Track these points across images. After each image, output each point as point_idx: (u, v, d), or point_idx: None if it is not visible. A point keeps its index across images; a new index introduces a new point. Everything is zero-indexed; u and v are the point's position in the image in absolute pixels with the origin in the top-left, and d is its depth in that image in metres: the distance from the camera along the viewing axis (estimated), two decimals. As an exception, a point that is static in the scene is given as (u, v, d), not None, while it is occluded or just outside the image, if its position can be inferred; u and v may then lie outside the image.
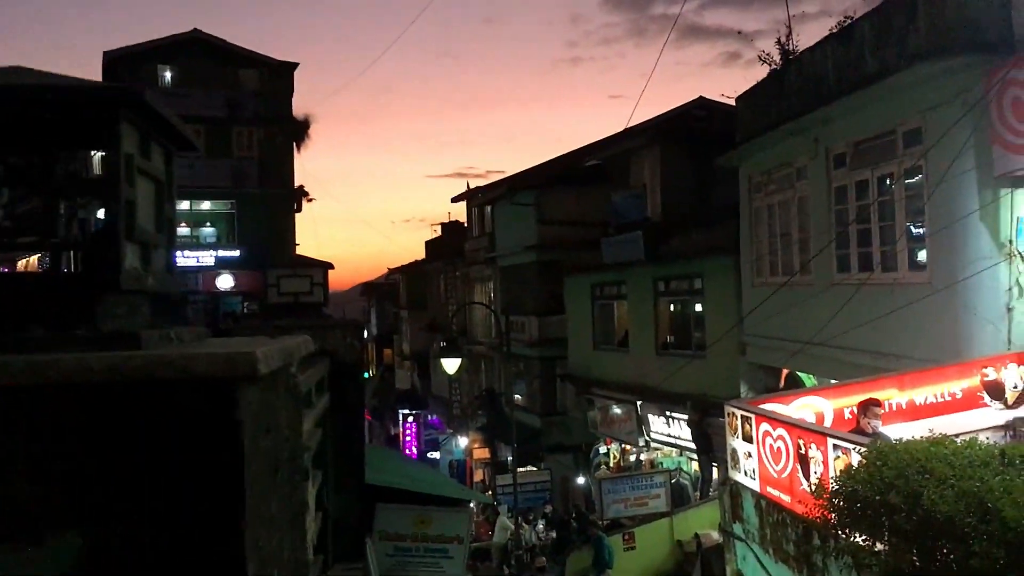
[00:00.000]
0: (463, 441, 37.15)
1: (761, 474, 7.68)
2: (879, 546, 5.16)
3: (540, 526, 21.72)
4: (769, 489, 7.50)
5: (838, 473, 6.09)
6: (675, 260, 20.26)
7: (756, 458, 7.74)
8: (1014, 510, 3.85)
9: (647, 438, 21.69)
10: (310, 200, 34.24)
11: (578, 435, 26.74)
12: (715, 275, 18.73)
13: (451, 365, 18.71)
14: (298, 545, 2.41)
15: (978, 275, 9.53)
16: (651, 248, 20.96)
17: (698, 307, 20.34)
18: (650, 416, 21.37)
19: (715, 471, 18.99)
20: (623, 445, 23.85)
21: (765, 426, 7.55)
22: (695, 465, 20.90)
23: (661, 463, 21.18)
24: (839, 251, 12.54)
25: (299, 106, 38.71)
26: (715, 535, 16.01)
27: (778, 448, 7.27)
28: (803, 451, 6.86)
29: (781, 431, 7.23)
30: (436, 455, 41.09)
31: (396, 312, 55.08)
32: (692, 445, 19.25)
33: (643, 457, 22.31)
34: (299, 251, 33.02)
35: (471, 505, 7.11)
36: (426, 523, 6.45)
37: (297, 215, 33.98)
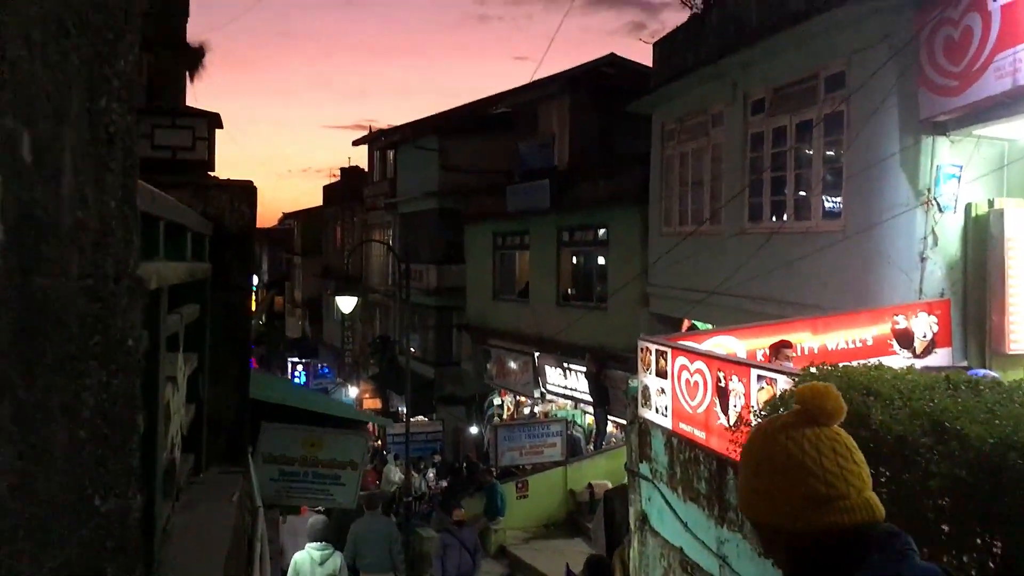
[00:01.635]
0: (353, 391, 36.38)
1: (674, 410, 7.34)
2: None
3: (430, 475, 21.28)
4: (682, 426, 7.16)
5: (761, 405, 5.75)
6: (581, 209, 19.92)
7: (670, 394, 7.38)
8: (976, 428, 3.52)
9: (543, 390, 21.46)
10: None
11: (472, 386, 26.40)
12: (620, 225, 18.48)
13: (347, 303, 17.98)
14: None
15: (893, 223, 9.41)
16: (557, 197, 20.58)
17: (601, 259, 20.10)
18: (547, 368, 21.12)
19: (610, 424, 18.93)
20: (518, 397, 23.60)
21: (682, 360, 7.19)
22: (589, 419, 20.81)
23: (556, 416, 20.99)
24: (752, 199, 12.35)
25: (193, 33, 36.63)
26: (609, 485, 15.89)
27: (695, 382, 6.92)
28: (723, 384, 6.51)
29: (699, 364, 6.87)
30: (325, 405, 40.23)
31: (289, 259, 53.55)
32: (588, 397, 19.08)
33: (537, 410, 22.10)
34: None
35: (368, 428, 6.58)
36: (317, 446, 5.83)
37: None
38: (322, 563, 8.24)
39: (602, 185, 19.29)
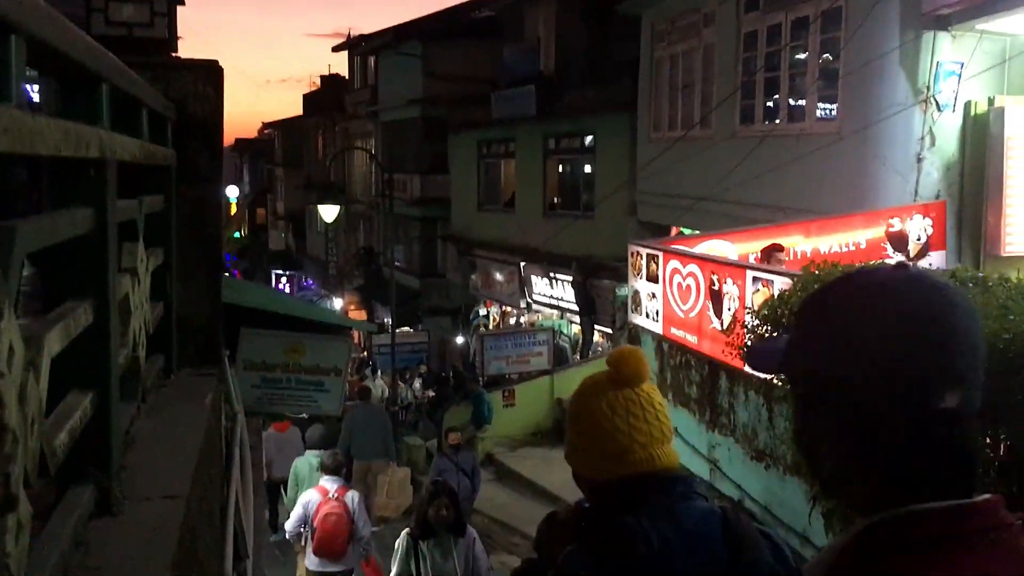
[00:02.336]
0: (338, 303, 36.26)
1: (665, 315, 7.19)
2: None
3: (416, 384, 21.32)
4: (674, 330, 7.03)
5: (757, 306, 5.59)
6: (567, 117, 19.50)
7: (661, 298, 7.22)
8: (991, 324, 3.36)
9: (529, 300, 21.37)
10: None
11: (458, 297, 26.29)
12: (608, 133, 18.12)
13: (329, 212, 17.67)
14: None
15: (890, 124, 9.14)
16: (543, 104, 20.11)
17: (588, 168, 19.78)
18: (533, 278, 20.99)
19: (596, 333, 18.91)
20: (504, 307, 23.53)
21: (674, 263, 7.01)
22: (575, 328, 20.78)
23: (542, 325, 20.94)
24: (744, 101, 12.01)
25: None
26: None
27: (687, 286, 6.76)
28: (716, 287, 6.35)
29: (692, 267, 6.69)
30: (310, 317, 40.14)
31: (270, 170, 52.73)
32: (575, 307, 19.01)
33: (523, 319, 22.04)
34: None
35: (352, 334, 6.43)
36: (299, 352, 5.65)
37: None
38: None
39: (589, 91, 18.85)
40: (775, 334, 4.87)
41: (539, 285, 20.75)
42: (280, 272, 44.50)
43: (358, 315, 33.16)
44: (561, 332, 20.06)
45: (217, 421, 3.01)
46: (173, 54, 4.51)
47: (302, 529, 7.85)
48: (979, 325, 1.07)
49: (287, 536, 8.33)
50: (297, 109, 45.90)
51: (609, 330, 16.79)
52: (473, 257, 24.17)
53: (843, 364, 1.06)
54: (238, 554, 3.37)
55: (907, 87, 9.07)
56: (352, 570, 8.20)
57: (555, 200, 20.93)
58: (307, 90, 44.68)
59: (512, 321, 22.71)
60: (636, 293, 7.76)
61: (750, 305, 5.81)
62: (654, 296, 7.38)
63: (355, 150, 34.82)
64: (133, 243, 2.40)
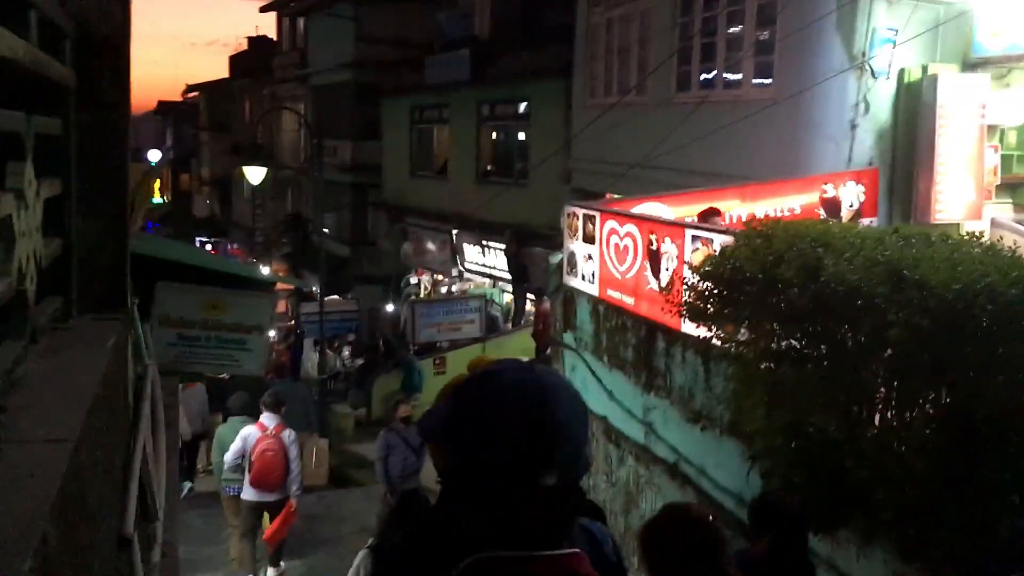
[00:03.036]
0: (266, 271, 35.47)
1: (602, 277, 7.05)
2: (744, 333, 4.60)
3: (346, 353, 20.97)
4: (610, 292, 6.89)
5: (696, 264, 5.47)
6: (502, 82, 19.23)
7: (597, 259, 7.08)
8: (940, 275, 3.28)
9: (461, 268, 21.14)
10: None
11: (389, 265, 25.91)
12: (543, 99, 17.90)
13: (255, 175, 17.12)
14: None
15: (825, 90, 9.13)
16: (477, 69, 19.81)
17: (522, 135, 19.57)
18: (465, 246, 20.76)
19: (528, 302, 18.79)
20: (435, 276, 23.26)
21: (611, 224, 6.87)
22: (507, 297, 20.65)
23: (474, 293, 20.74)
24: (681, 68, 11.92)
25: None
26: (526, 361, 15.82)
27: (624, 247, 6.62)
28: (654, 247, 6.22)
29: (630, 227, 6.56)
30: (236, 286, 39.24)
31: (195, 134, 51.21)
32: (507, 275, 18.85)
33: (455, 288, 21.82)
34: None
35: (275, 292, 6.12)
36: (219, 308, 5.35)
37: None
38: None
39: (524, 57, 18.60)
40: (710, 293, 4.77)
41: (471, 253, 20.53)
42: (205, 239, 43.32)
43: (284, 285, 32.50)
44: (493, 301, 19.91)
45: (121, 368, 2.75)
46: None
47: (240, 461, 8.63)
48: (580, 415, 1.42)
49: (225, 466, 8.85)
50: (224, 73, 44.59)
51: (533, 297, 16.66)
52: (405, 225, 23.82)
53: (472, 452, 1.37)
54: (146, 514, 3.12)
55: (842, 53, 9.05)
56: (287, 498, 8.79)
57: (489, 168, 20.67)
58: (234, 52, 43.35)
59: (444, 290, 22.47)
60: (572, 255, 7.61)
61: (689, 263, 5.70)
62: (590, 258, 7.23)
63: (284, 112, 33.92)
64: (19, 162, 2.12)
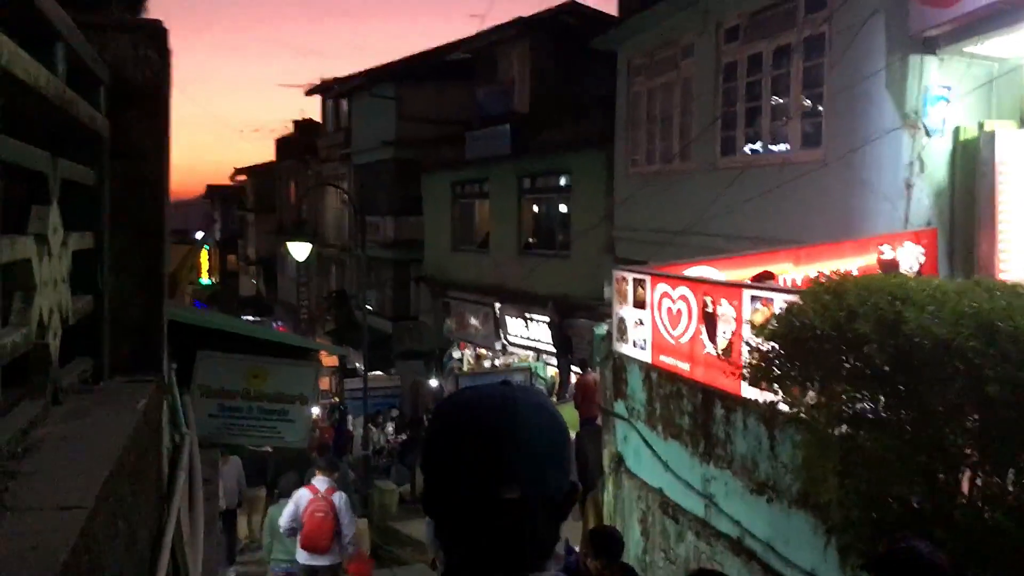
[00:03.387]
0: (309, 348, 35.58)
1: (654, 343, 6.79)
2: (811, 395, 4.31)
3: (389, 428, 20.72)
4: (663, 358, 6.62)
5: (756, 326, 5.20)
6: (543, 155, 19.25)
7: (649, 325, 6.83)
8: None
9: (504, 341, 20.92)
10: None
11: (431, 341, 25.78)
12: (584, 170, 17.88)
13: (300, 251, 17.18)
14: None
15: (877, 149, 8.90)
16: (517, 142, 19.89)
17: (564, 207, 19.52)
18: (508, 319, 20.57)
19: (572, 375, 18.46)
20: (478, 350, 23.05)
21: (663, 287, 6.63)
22: (551, 370, 20.33)
23: (518, 366, 20.46)
24: (724, 132, 11.78)
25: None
26: (573, 435, 15.44)
27: (678, 310, 6.37)
28: (710, 309, 5.96)
29: (683, 290, 6.31)
30: (280, 363, 39.35)
31: (242, 216, 52.19)
32: (551, 348, 18.59)
33: (498, 362, 21.55)
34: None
35: (318, 360, 5.90)
36: (261, 377, 5.18)
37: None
38: None
39: (564, 129, 18.64)
40: (776, 353, 4.49)
41: (514, 326, 20.33)
42: (251, 317, 43.72)
43: (330, 361, 32.52)
44: (537, 374, 19.60)
45: (153, 434, 2.55)
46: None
47: (293, 524, 8.66)
48: (550, 431, 1.35)
49: (282, 531, 8.88)
50: (270, 156, 45.56)
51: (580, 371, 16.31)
52: (447, 299, 23.73)
53: (437, 466, 1.36)
54: (179, 595, 2.89)
55: (894, 112, 8.84)
56: (339, 564, 8.94)
57: (530, 240, 20.60)
58: (280, 136, 44.34)
59: (487, 364, 22.21)
60: (621, 321, 7.37)
61: (748, 326, 5.43)
62: (641, 323, 6.98)
63: (328, 192, 34.45)
64: (43, 206, 1.97)
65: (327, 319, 32.14)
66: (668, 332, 6.53)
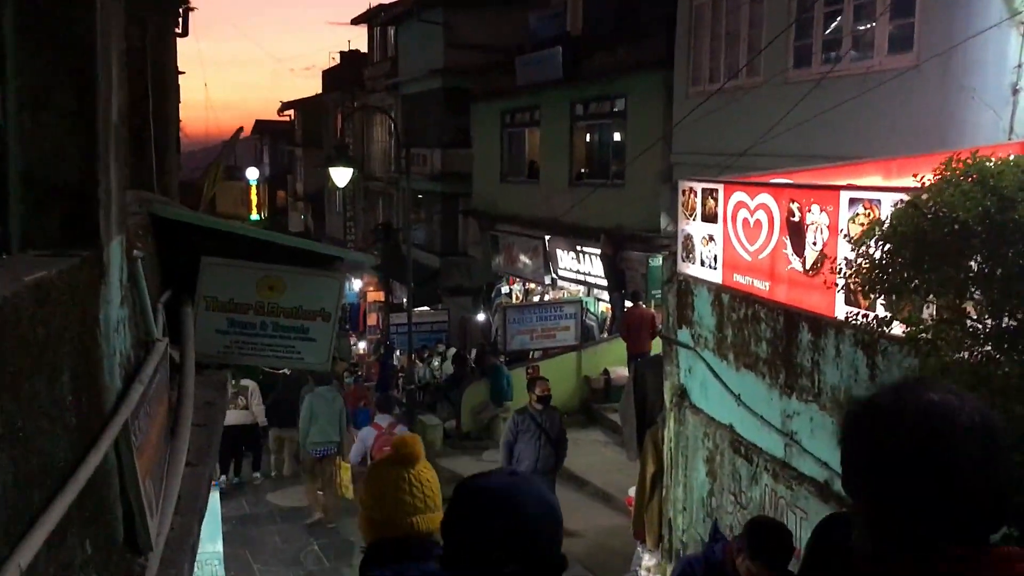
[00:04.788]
0: (357, 284, 35.23)
1: (726, 260, 5.98)
2: (932, 311, 3.50)
3: (435, 363, 20.20)
4: (737, 278, 5.81)
5: (856, 235, 4.36)
6: (597, 79, 18.21)
7: (721, 240, 6.01)
8: None
9: (554, 276, 20.17)
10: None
11: (479, 276, 25.16)
12: (641, 95, 16.85)
13: (341, 176, 16.48)
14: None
15: (980, 50, 7.85)
16: (570, 67, 18.86)
17: (618, 133, 18.56)
18: (559, 252, 19.78)
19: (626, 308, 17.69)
20: (527, 285, 22.35)
21: (739, 196, 5.79)
22: (603, 306, 19.60)
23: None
24: (798, 41, 10.73)
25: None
26: (625, 372, 14.72)
27: (756, 222, 5.54)
28: (797, 218, 5.13)
29: (764, 198, 5.47)
30: (328, 299, 39.16)
31: (290, 151, 51.77)
32: (603, 282, 17.81)
33: (548, 297, 20.84)
34: (182, 82, 29.30)
35: (343, 272, 5.17)
36: (276, 289, 4.50)
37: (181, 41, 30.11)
38: None
39: (620, 51, 17.55)
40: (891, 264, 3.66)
41: (565, 260, 19.54)
42: (299, 254, 43.48)
43: (376, 296, 32.10)
44: (588, 310, 18.85)
45: (72, 324, 1.84)
46: None
47: (364, 458, 9.45)
48: (543, 522, 1.68)
49: (352, 465, 10.02)
50: (318, 91, 44.88)
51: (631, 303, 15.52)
52: (496, 232, 22.99)
53: (454, 543, 1.72)
54: (132, 542, 2.21)
55: (1000, 6, 7.77)
56: None
57: (582, 170, 19.68)
58: (326, 68, 43.55)
59: (536, 299, 21.52)
60: (688, 238, 6.55)
61: (845, 234, 4.59)
62: (711, 239, 6.16)
63: (374, 124, 33.74)
64: None
65: (373, 254, 31.69)
66: (744, 247, 5.71)
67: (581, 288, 19.44)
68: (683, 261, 6.67)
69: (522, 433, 8.57)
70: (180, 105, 8.82)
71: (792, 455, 5.22)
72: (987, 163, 3.34)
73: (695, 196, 6.42)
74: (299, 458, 11.58)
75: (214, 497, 4.85)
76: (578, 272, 19.07)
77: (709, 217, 6.19)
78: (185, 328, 3.92)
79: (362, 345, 28.26)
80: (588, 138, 19.99)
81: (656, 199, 16.13)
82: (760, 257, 5.50)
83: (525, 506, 1.66)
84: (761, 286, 5.49)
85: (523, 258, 21.56)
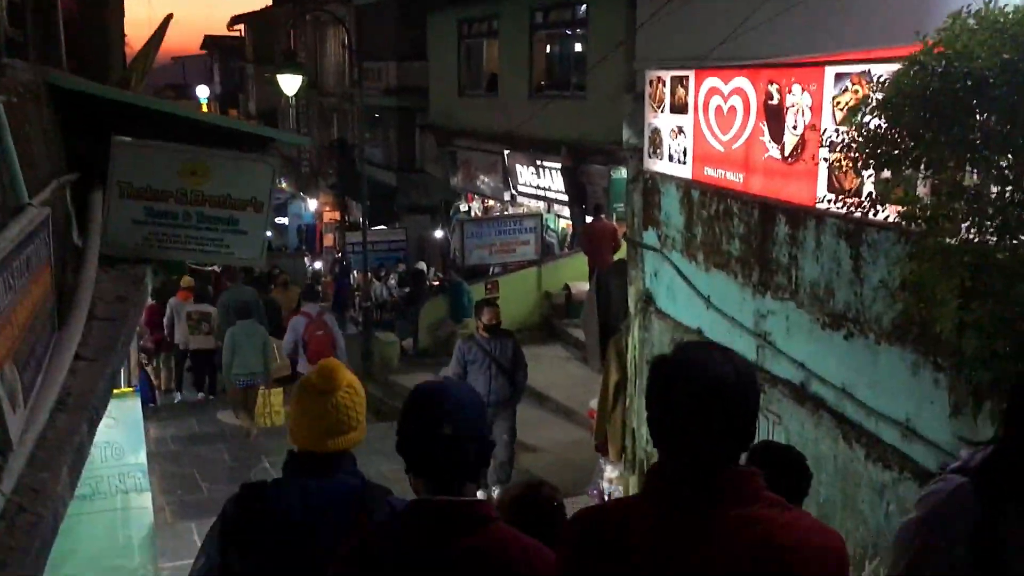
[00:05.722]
0: (312, 204, 34.41)
1: (697, 153, 5.57)
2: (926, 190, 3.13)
3: (392, 281, 19.76)
4: (708, 171, 5.41)
5: (842, 114, 3.97)
6: (558, -17, 17.49)
7: (691, 131, 5.59)
8: None
9: (514, 191, 19.65)
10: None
11: (437, 194, 24.56)
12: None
13: (290, 83, 15.72)
14: None
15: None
16: (531, -29, 18.09)
17: (579, 43, 17.89)
18: (518, 167, 19.24)
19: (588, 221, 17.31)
20: (485, 202, 21.82)
21: (713, 81, 5.35)
22: (563, 223, 19.19)
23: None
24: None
25: None
26: (586, 287, 14.41)
27: (731, 108, 5.12)
28: (775, 101, 4.71)
29: (740, 81, 5.04)
30: (284, 220, 38.34)
31: (241, 68, 49.99)
32: (563, 197, 17.36)
33: (508, 214, 20.36)
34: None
35: (276, 156, 4.63)
36: (200, 175, 4.02)
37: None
38: None
39: (582, -48, 16.83)
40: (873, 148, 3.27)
41: (525, 174, 19.01)
42: (252, 174, 42.36)
43: (332, 215, 31.34)
44: (548, 227, 18.44)
45: None
46: None
47: (296, 345, 10.24)
48: (473, 402, 2.20)
49: (286, 354, 10.78)
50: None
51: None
52: (454, 148, 22.32)
53: (401, 426, 2.18)
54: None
55: None
56: None
57: (543, 82, 19.02)
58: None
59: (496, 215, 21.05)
60: (655, 132, 6.11)
61: (831, 118, 4.19)
62: (680, 131, 5.74)
63: (328, 37, 32.57)
64: None
65: (329, 173, 30.81)
66: (716, 138, 5.30)
67: (541, 204, 18.98)
68: (650, 157, 6.24)
69: (470, 363, 7.59)
70: (123, 18, 8.05)
71: (765, 357, 4.90)
72: (1006, 11, 2.93)
73: (663, 86, 5.97)
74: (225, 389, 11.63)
75: (134, 405, 4.41)
76: (538, 188, 18.58)
77: (678, 108, 5.75)
78: (91, 212, 3.43)
79: (318, 265, 27.67)
80: (548, 49, 19.29)
81: (619, 110, 15.57)
82: (734, 147, 5.09)
83: (453, 390, 2.23)
84: (734, 178, 5.09)
85: (482, 174, 21.00)
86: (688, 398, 1.76)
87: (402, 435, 2.13)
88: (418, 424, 2.11)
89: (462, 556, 2.01)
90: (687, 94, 5.63)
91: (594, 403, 8.14)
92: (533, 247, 15.16)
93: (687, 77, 5.65)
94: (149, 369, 13.88)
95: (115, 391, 4.18)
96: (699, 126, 5.48)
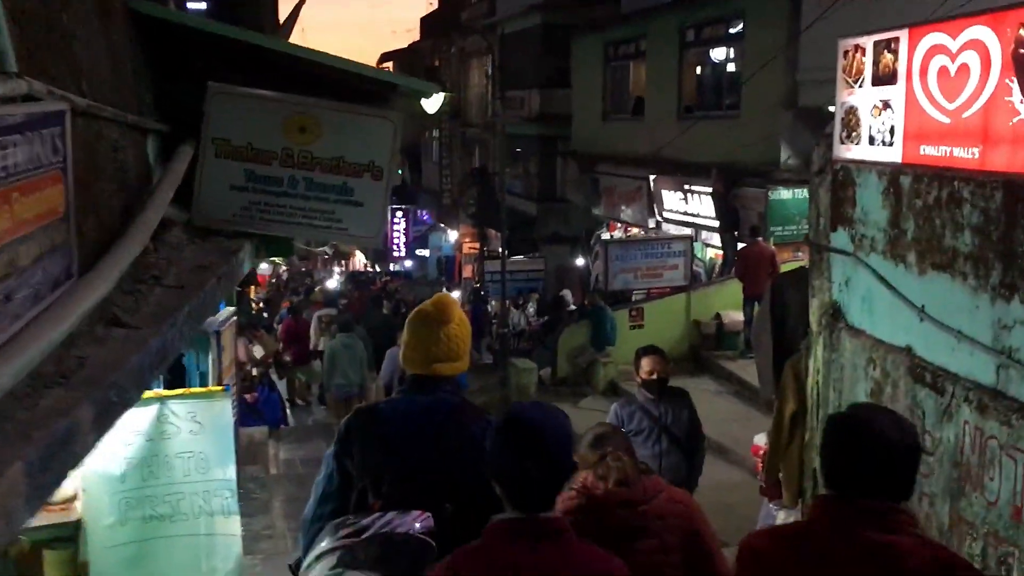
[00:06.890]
0: (452, 235, 34.35)
1: (908, 130, 4.53)
2: None
3: (531, 310, 19.06)
4: (927, 150, 4.37)
5: None
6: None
7: (902, 104, 4.56)
8: None
9: (659, 218, 18.67)
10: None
11: (578, 223, 23.88)
12: (761, 11, 15.14)
13: (431, 102, 15.31)
14: None
15: None
16: (681, -12, 17.27)
17: (733, 61, 16.88)
18: (664, 192, 18.27)
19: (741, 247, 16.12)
20: (628, 230, 20.90)
21: (935, 37, 4.32)
22: (711, 252, 18.06)
23: (676, 242, 18.17)
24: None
25: None
26: (739, 316, 13.25)
27: (961, 67, 4.08)
28: (1028, 47, 3.66)
29: (976, 31, 4.00)
30: (425, 252, 38.47)
31: (387, 104, 51.08)
32: (713, 223, 16.27)
33: (655, 236, 19.34)
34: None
35: (398, 111, 3.89)
36: (310, 131, 3.34)
37: None
38: None
39: (737, -35, 15.87)
40: None
41: (671, 200, 18.02)
42: (395, 207, 42.87)
43: (472, 247, 31.03)
44: (696, 257, 17.34)
45: None
46: None
47: (392, 376, 10.27)
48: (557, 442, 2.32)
49: (383, 384, 11.03)
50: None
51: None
52: (596, 174, 21.58)
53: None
54: None
55: None
56: None
57: (691, 102, 18.06)
58: (425, 14, 42.47)
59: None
60: (850, 112, 5.09)
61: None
62: (886, 106, 4.71)
63: (471, 69, 32.61)
64: None
65: (469, 202, 30.62)
66: (939, 107, 4.26)
67: (689, 231, 17.93)
68: (842, 144, 5.22)
69: (632, 434, 5.53)
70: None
71: (1009, 379, 3.80)
72: None
73: (862, 56, 4.96)
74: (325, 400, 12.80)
75: (223, 408, 3.72)
76: (685, 213, 17.54)
77: (884, 79, 4.73)
78: (173, 162, 2.77)
79: (456, 294, 27.39)
80: (699, 67, 18.34)
81: (776, 128, 14.49)
82: (965, 115, 4.05)
83: (542, 427, 2.32)
84: (965, 155, 4.05)
85: (625, 201, 20.14)
86: (861, 464, 2.24)
87: (491, 463, 2.28)
88: (506, 458, 2.26)
89: (541, 562, 2.16)
90: (896, 60, 4.61)
91: (760, 438, 7.09)
92: (682, 272, 14.14)
93: (897, 38, 4.63)
94: (282, 386, 13.82)
95: (201, 390, 3.52)
96: (913, 96, 4.45)
